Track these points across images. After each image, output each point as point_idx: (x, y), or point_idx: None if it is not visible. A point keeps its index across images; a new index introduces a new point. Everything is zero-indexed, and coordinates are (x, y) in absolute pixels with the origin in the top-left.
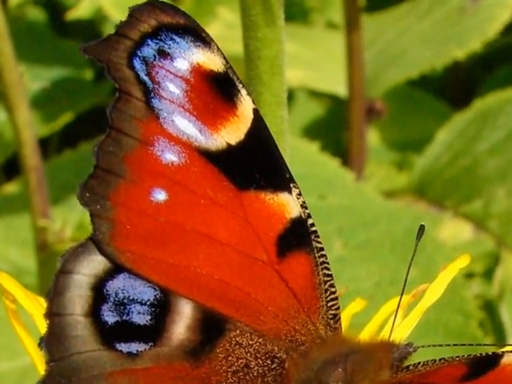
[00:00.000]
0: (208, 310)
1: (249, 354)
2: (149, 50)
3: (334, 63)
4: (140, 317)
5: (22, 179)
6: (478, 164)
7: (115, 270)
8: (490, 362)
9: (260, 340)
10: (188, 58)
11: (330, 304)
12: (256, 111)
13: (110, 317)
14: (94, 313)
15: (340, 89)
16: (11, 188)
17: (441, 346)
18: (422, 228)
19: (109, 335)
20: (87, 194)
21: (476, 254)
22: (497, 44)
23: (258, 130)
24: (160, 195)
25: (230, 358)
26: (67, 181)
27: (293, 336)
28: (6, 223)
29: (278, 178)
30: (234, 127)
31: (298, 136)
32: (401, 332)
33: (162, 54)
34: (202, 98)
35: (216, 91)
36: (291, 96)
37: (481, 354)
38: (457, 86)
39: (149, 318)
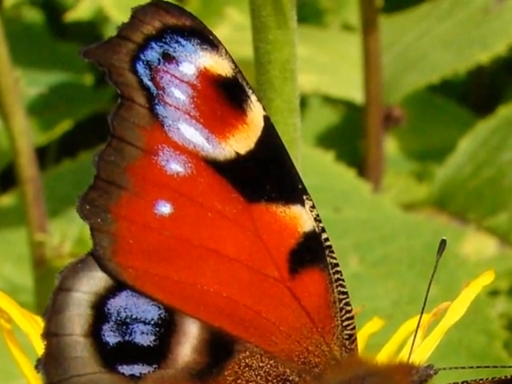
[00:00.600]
0: (216, 330)
1: (259, 377)
2: (153, 54)
3: (349, 67)
4: (143, 337)
5: (18, 191)
6: (503, 175)
7: (117, 287)
8: None
9: (271, 362)
10: (194, 61)
11: (345, 323)
12: (267, 118)
13: (111, 337)
14: (94, 333)
15: (356, 94)
16: (6, 200)
17: (463, 368)
18: (443, 243)
19: (110, 357)
20: (87, 207)
21: (501, 270)
22: None
23: (269, 139)
24: (165, 208)
25: (239, 381)
26: (66, 192)
27: (306, 357)
28: (1, 237)
29: (290, 189)
30: (244, 135)
31: (311, 145)
32: (421, 353)
33: (167, 57)
34: (210, 104)
35: (224, 97)
36: (304, 102)
37: (506, 376)
38: (480, 91)
39: (153, 338)
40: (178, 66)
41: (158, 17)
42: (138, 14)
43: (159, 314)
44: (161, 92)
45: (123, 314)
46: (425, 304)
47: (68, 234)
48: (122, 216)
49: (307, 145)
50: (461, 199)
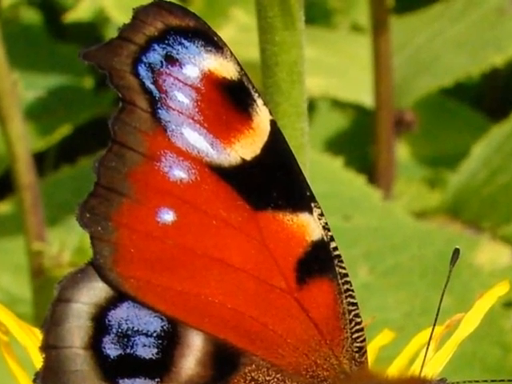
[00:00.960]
0: (220, 342)
1: None
2: (155, 56)
3: (359, 70)
4: (145, 350)
5: (16, 198)
6: None
7: (118, 298)
8: None
9: (278, 375)
10: (198, 64)
11: (354, 336)
12: (273, 123)
13: (112, 350)
14: (94, 345)
15: (366, 98)
16: (3, 208)
17: (477, 382)
18: (456, 252)
19: (111, 370)
20: (87, 215)
21: None
22: None
23: (276, 144)
24: (167, 216)
25: None
26: (65, 200)
27: (314, 371)
28: None
29: (298, 196)
30: (249, 141)
31: (319, 150)
32: (433, 366)
33: (170, 59)
34: (214, 108)
35: (229, 101)
36: (312, 106)
37: None
38: (495, 95)
39: (155, 351)
40: (181, 68)
41: (160, 17)
42: (139, 15)
43: (162, 326)
44: (163, 95)
45: (124, 326)
46: (437, 315)
47: (67, 243)
48: (123, 224)
49: (315, 150)
50: (475, 207)
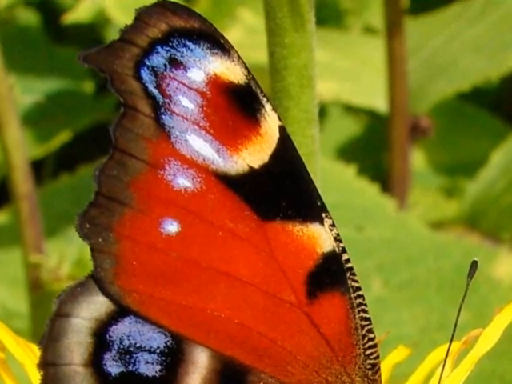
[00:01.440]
0: (227, 359)
1: None
2: (159, 59)
3: (372, 73)
4: (148, 367)
5: (12, 208)
6: None
7: (120, 312)
8: None
9: None
10: (204, 67)
11: (367, 352)
12: (282, 129)
13: (113, 367)
14: (95, 362)
15: (379, 103)
16: (0, 218)
17: None
18: (474, 264)
19: None
20: (87, 226)
21: None
22: None
23: (285, 151)
24: (171, 226)
25: None
26: (64, 210)
27: None
28: None
29: (308, 206)
30: (257, 148)
31: (331, 158)
32: None
33: (174, 63)
34: (220, 113)
35: (236, 106)
36: (323, 112)
37: None
38: None
39: (159, 368)
40: (185, 72)
41: (164, 19)
42: (142, 16)
43: (165, 342)
44: (167, 100)
45: (126, 342)
46: (454, 331)
47: (66, 255)
48: (125, 235)
49: (326, 158)
50: (493, 217)
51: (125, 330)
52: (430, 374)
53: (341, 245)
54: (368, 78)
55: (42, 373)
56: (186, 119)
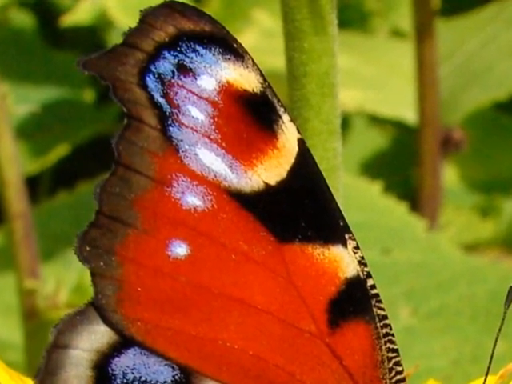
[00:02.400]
0: None
1: None
2: (166, 65)
3: (400, 81)
4: None
5: (5, 228)
6: None
7: (123, 343)
8: None
9: None
10: (215, 74)
11: None
12: (302, 142)
13: None
14: None
15: (408, 114)
16: None
17: None
18: (511, 290)
19: None
20: (87, 248)
21: None
22: None
23: (305, 167)
24: (180, 249)
25: None
26: (62, 230)
27: None
28: None
29: (330, 227)
30: (274, 163)
31: (354, 174)
32: None
33: (183, 69)
34: (233, 125)
35: (251, 117)
36: (346, 123)
37: None
38: None
39: None
40: (195, 79)
41: (171, 21)
42: (148, 18)
43: (173, 376)
44: (175, 111)
45: (130, 376)
46: (490, 363)
47: (64, 281)
48: (128, 259)
49: (350, 174)
50: None
51: (128, 363)
52: None
53: (365, 269)
54: (395, 85)
55: None
56: (196, 131)
